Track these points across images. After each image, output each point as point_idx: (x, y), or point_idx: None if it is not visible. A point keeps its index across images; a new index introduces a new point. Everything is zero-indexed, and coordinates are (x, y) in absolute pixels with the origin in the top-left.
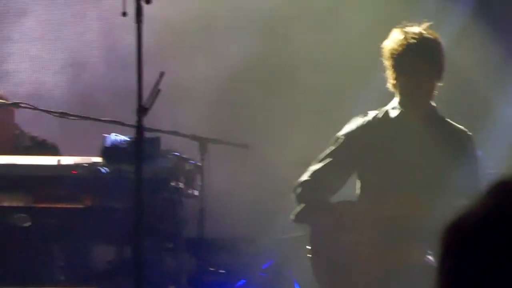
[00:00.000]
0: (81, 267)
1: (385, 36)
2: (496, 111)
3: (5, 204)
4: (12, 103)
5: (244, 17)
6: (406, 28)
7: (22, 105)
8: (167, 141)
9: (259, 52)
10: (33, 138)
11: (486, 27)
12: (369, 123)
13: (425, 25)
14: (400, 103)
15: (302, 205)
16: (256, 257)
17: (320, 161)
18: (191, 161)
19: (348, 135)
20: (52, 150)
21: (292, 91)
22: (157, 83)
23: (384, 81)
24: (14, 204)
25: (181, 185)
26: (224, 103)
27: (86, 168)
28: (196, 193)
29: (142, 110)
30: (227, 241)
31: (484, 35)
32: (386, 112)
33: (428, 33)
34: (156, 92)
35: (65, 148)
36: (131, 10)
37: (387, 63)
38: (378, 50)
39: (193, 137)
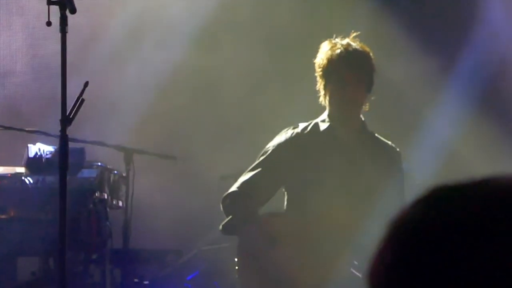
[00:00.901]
0: (5, 278)
1: (315, 48)
2: (425, 124)
3: None
4: None
5: (173, 28)
6: (335, 40)
7: None
8: (92, 152)
9: (188, 64)
10: None
11: (418, 41)
12: (297, 135)
13: (352, 35)
14: (329, 115)
15: (230, 216)
16: (181, 269)
17: (249, 171)
18: (116, 172)
19: (277, 146)
20: None
21: (221, 103)
22: (81, 93)
23: (314, 93)
24: None
25: (106, 196)
26: (151, 114)
27: (10, 178)
28: (121, 204)
29: (66, 120)
30: (152, 252)
31: (415, 49)
32: (316, 124)
33: (356, 44)
34: (80, 101)
35: None
36: (55, 19)
37: (317, 75)
38: (308, 63)
39: (118, 148)
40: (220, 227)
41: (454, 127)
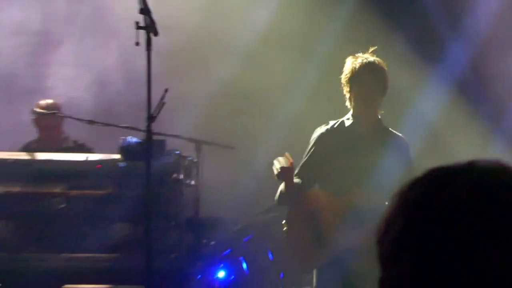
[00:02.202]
0: (104, 241)
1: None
2: (409, 107)
3: (45, 190)
4: (52, 113)
5: (230, 47)
6: (356, 55)
7: (59, 114)
8: (170, 143)
9: (243, 73)
10: (75, 142)
11: (422, 54)
12: (328, 131)
13: (371, 50)
14: (352, 114)
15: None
16: (239, 233)
17: (300, 166)
18: (189, 158)
19: (315, 141)
20: (89, 152)
21: (266, 107)
22: (162, 97)
23: (341, 99)
24: (52, 190)
25: (181, 177)
26: (215, 114)
27: (108, 163)
28: (193, 183)
29: (150, 118)
30: (217, 220)
31: (418, 62)
32: (342, 122)
33: (374, 58)
34: (161, 104)
35: (93, 147)
36: (142, 40)
37: (343, 82)
38: (336, 74)
39: (191, 140)
40: (276, 198)
41: (436, 110)
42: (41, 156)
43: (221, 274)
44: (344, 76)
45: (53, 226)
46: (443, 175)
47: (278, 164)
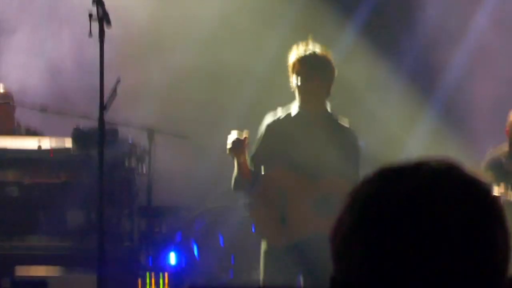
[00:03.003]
0: (58, 228)
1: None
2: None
3: None
4: (4, 103)
5: (186, 34)
6: (299, 46)
7: (11, 102)
8: (123, 131)
9: (197, 62)
10: (27, 130)
11: (374, 46)
12: (274, 122)
13: (313, 43)
14: (299, 104)
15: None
16: (192, 221)
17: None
18: (142, 147)
19: (263, 134)
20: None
21: (222, 94)
22: (115, 87)
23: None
24: (6, 178)
25: (133, 165)
26: (168, 101)
27: (61, 151)
28: (145, 171)
29: (103, 108)
30: (169, 208)
31: (371, 53)
32: (289, 112)
33: (316, 48)
34: (113, 94)
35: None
36: (96, 31)
37: (290, 73)
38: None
39: (143, 128)
40: (232, 184)
41: (392, 111)
42: None
43: (173, 260)
44: (290, 67)
45: (7, 214)
46: (391, 173)
47: (231, 138)
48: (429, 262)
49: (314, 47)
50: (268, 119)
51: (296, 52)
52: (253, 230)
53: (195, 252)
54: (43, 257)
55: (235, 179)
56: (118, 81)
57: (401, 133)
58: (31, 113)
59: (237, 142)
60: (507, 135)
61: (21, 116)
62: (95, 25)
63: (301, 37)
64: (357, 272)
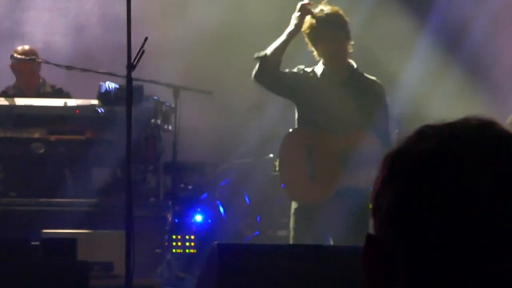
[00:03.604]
0: (84, 184)
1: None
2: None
3: (25, 135)
4: (29, 59)
5: None
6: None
7: (38, 60)
8: (148, 88)
9: (222, 19)
10: (52, 86)
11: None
12: (304, 72)
13: (324, 2)
14: (325, 63)
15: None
16: (217, 177)
17: None
18: (167, 104)
19: (294, 72)
20: (66, 96)
21: (247, 50)
22: (142, 46)
23: None
24: (32, 135)
25: (159, 122)
26: (193, 58)
27: (87, 108)
28: (170, 128)
29: (130, 66)
30: (194, 164)
31: (395, 11)
32: (313, 70)
33: (328, 9)
34: (141, 52)
35: (70, 92)
36: None
37: (307, 40)
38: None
39: (168, 85)
40: (252, 75)
41: (417, 70)
42: (20, 101)
43: (199, 218)
44: (306, 34)
45: (33, 171)
46: (425, 129)
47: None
48: (455, 218)
49: (323, 8)
50: (297, 68)
51: (309, 17)
52: (282, 186)
53: (221, 210)
54: (70, 214)
55: (272, 53)
56: (145, 40)
57: (427, 92)
58: (56, 70)
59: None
60: None
61: (46, 73)
62: None
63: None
64: (384, 228)
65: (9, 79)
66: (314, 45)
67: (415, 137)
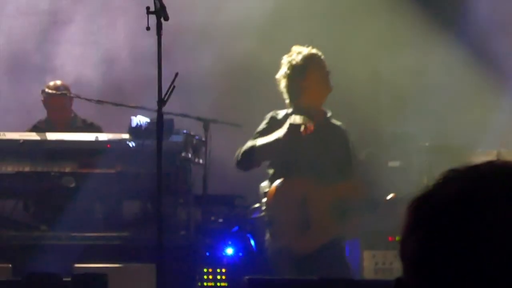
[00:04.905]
0: (114, 218)
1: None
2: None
3: (56, 169)
4: (61, 93)
5: (239, 24)
6: (293, 50)
7: (69, 94)
8: (178, 122)
9: (249, 50)
10: (84, 121)
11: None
12: (282, 117)
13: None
14: (305, 105)
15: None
16: (247, 209)
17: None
18: (197, 137)
19: (268, 120)
20: (98, 131)
21: (275, 81)
22: (173, 82)
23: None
24: (63, 170)
25: (189, 155)
26: (222, 91)
27: (117, 142)
28: (201, 161)
29: (161, 101)
30: (225, 197)
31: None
32: (287, 115)
33: (313, 50)
34: (171, 88)
35: (100, 125)
36: (152, 22)
37: (294, 73)
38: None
39: (198, 118)
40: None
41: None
42: (51, 136)
43: (230, 251)
44: (288, 72)
45: (64, 205)
46: (450, 174)
47: (294, 120)
48: (476, 263)
49: (305, 49)
50: (272, 114)
51: (303, 54)
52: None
53: (252, 243)
54: (101, 247)
55: (260, 152)
56: (176, 75)
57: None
58: (87, 104)
59: (295, 129)
60: None
61: (77, 107)
62: (151, 17)
63: (352, 28)
64: (410, 273)
65: (40, 114)
66: (292, 84)
67: (439, 182)
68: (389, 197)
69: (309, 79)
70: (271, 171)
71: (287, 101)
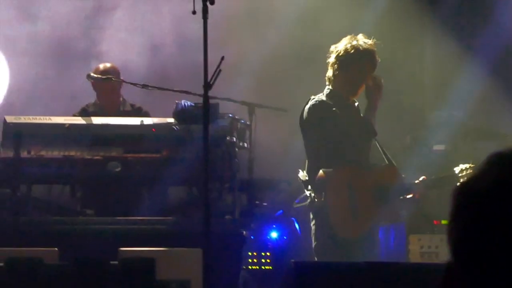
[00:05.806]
0: (159, 203)
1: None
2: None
3: (101, 154)
4: (105, 78)
5: (281, 9)
6: (355, 36)
7: (114, 79)
8: (223, 106)
9: (293, 36)
10: (132, 105)
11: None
12: (334, 107)
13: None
14: (352, 95)
15: None
16: (292, 193)
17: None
18: (242, 121)
19: (333, 118)
20: (145, 115)
21: (320, 66)
22: (219, 65)
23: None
24: (108, 154)
25: (235, 139)
26: (267, 76)
27: (163, 127)
28: (246, 145)
29: (207, 86)
30: (269, 181)
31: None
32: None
33: (372, 45)
34: (217, 72)
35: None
36: (198, 8)
37: (349, 61)
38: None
39: (244, 103)
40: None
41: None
42: (97, 120)
43: (274, 234)
44: (340, 54)
45: (110, 190)
46: (493, 158)
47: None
48: None
49: (367, 42)
50: (323, 105)
51: (350, 42)
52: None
53: (296, 227)
54: (146, 232)
55: None
56: (222, 59)
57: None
58: (133, 89)
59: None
60: None
61: (123, 92)
62: (197, 1)
63: (390, 23)
64: (455, 258)
65: (85, 99)
66: (339, 68)
67: (484, 166)
68: (419, 179)
69: (345, 69)
70: (311, 161)
71: (330, 87)
